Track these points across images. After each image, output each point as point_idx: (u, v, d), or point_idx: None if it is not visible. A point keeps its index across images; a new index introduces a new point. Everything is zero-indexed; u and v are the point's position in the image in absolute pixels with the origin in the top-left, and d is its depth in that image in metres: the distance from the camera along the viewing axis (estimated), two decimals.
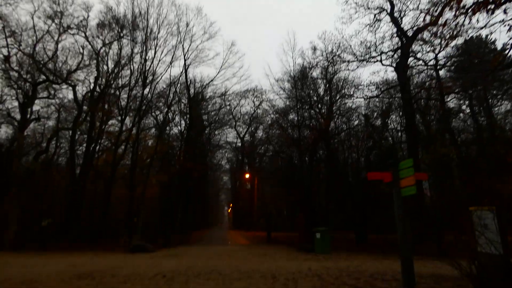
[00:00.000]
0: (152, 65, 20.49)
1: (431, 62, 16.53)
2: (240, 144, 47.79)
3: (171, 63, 21.25)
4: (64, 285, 6.14)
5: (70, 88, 20.20)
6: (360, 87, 18.14)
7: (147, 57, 20.47)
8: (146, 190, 28.30)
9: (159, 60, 20.97)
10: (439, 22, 7.67)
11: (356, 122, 21.15)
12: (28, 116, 18.58)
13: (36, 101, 19.50)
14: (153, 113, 24.47)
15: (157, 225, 18.28)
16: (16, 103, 19.16)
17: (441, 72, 18.23)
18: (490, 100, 20.10)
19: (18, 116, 18.94)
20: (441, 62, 16.69)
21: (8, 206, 15.26)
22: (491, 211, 4.43)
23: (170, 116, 25.09)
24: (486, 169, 13.82)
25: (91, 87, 20.57)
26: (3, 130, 20.98)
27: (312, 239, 13.15)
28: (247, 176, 39.27)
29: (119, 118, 19.86)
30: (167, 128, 26.83)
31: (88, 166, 19.27)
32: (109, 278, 6.92)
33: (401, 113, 20.53)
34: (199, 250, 13.24)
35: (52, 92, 20.13)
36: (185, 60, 23.05)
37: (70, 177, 20.18)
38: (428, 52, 15.96)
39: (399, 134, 22.28)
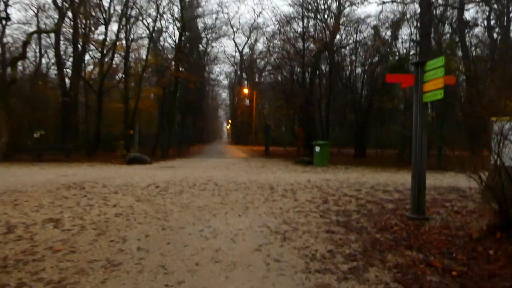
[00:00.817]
0: None
1: None
2: (239, 58, 45.31)
3: None
4: (49, 195, 5.77)
5: None
6: None
7: None
8: (140, 102, 27.55)
9: None
10: None
11: (364, 34, 19.14)
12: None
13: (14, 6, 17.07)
14: (144, 21, 22.02)
15: (155, 139, 17.96)
16: None
17: None
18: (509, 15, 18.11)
19: None
20: None
21: None
22: None
23: (162, 25, 22.67)
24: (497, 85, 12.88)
25: None
26: None
27: (311, 153, 12.95)
28: (245, 91, 38.05)
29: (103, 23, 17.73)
30: (161, 39, 24.60)
31: (77, 76, 17.99)
32: (100, 188, 6.60)
33: (413, 25, 18.61)
34: (196, 162, 13.12)
35: None
36: None
37: (60, 87, 19.11)
38: None
39: (409, 48, 20.57)
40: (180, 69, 19.46)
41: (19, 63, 18.64)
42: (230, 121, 64.78)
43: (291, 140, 31.21)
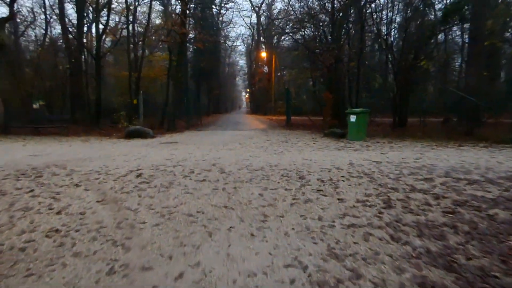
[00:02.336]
0: None
1: None
2: (255, 21, 41.91)
3: None
4: None
5: None
6: None
7: None
8: (150, 69, 25.59)
9: None
10: None
11: None
12: None
13: None
14: None
15: (165, 109, 16.09)
16: None
17: None
18: None
19: None
20: None
21: None
22: None
23: None
24: None
25: None
26: None
27: (341, 123, 10.70)
28: (263, 54, 35.12)
29: None
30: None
31: (80, 42, 16.04)
32: (62, 176, 4.77)
33: None
34: (205, 136, 11.18)
35: None
36: None
37: (67, 55, 17.35)
38: None
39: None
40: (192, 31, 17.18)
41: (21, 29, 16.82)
42: (248, 90, 62.22)
43: (315, 109, 28.61)
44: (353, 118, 9.78)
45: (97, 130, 14.02)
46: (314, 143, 9.08)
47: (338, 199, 3.77)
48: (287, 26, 18.29)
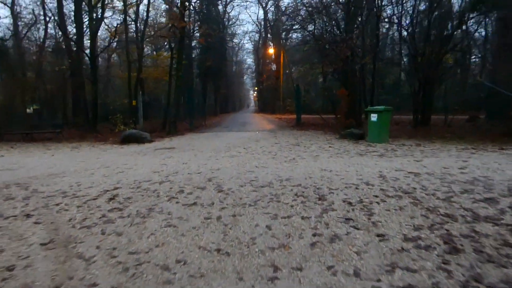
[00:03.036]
0: None
1: None
2: (262, 17, 40.80)
3: None
4: None
5: None
6: None
7: None
8: (154, 69, 24.69)
9: None
10: None
11: None
12: None
13: None
14: None
15: (167, 111, 15.13)
16: None
17: None
18: None
19: None
20: None
21: None
22: None
23: None
24: None
25: None
26: None
27: (357, 122, 9.54)
28: (271, 51, 33.98)
29: None
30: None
31: (80, 44, 15.19)
32: (17, 201, 3.79)
33: None
34: (207, 140, 10.13)
35: None
36: None
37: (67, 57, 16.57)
38: None
39: None
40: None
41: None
42: (256, 88, 61.20)
43: (326, 106, 27.34)
44: (374, 117, 8.60)
45: (94, 134, 13.16)
46: (330, 147, 7.94)
47: (378, 236, 2.67)
48: (297, 18, 17.09)
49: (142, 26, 16.18)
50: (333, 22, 12.45)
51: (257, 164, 5.53)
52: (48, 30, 21.69)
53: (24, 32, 23.34)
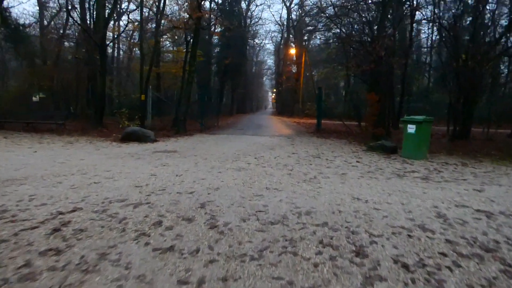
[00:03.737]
0: None
1: None
2: (285, 17, 39.63)
3: None
4: None
5: None
6: None
7: None
8: (171, 64, 23.95)
9: None
10: None
11: None
12: None
13: None
14: None
15: (178, 108, 14.15)
16: None
17: None
18: None
19: None
20: None
21: None
22: None
23: None
24: None
25: None
26: None
27: (386, 131, 8.16)
28: (292, 51, 32.73)
29: None
30: None
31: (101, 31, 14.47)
32: None
33: None
34: (216, 143, 8.99)
35: None
36: None
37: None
38: None
39: None
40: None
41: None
42: (274, 90, 60.02)
43: (347, 112, 25.78)
44: (411, 128, 7.24)
45: (99, 128, 12.34)
46: (358, 161, 6.65)
47: None
48: (323, 16, 15.78)
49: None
50: (364, 19, 11.06)
51: (269, 184, 4.34)
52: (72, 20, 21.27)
53: (48, 20, 23.20)
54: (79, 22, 14.40)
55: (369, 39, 10.15)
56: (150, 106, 12.76)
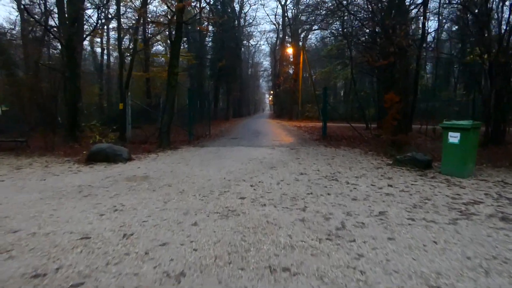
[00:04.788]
0: None
1: None
2: (280, 15, 38.13)
3: None
4: None
5: None
6: None
7: None
8: (154, 67, 22.19)
9: None
10: None
11: None
12: None
13: None
14: None
15: (163, 117, 12.37)
16: None
17: None
18: None
19: None
20: None
21: None
22: None
23: None
24: None
25: None
26: None
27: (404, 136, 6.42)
28: (289, 51, 31.16)
29: None
30: None
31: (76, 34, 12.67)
32: None
33: None
34: (202, 163, 7.13)
35: None
36: None
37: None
38: None
39: None
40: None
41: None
42: (272, 92, 58.47)
43: (350, 113, 24.10)
44: (455, 137, 5.53)
45: (70, 144, 10.58)
46: (390, 185, 4.93)
47: None
48: (323, 9, 14.14)
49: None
50: (380, 5, 9.27)
51: (273, 254, 2.58)
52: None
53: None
54: (36, 18, 12.61)
55: (384, 29, 8.43)
56: (130, 116, 11.01)
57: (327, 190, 4.66)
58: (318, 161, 7.15)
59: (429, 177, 5.63)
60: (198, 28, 13.53)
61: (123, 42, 23.89)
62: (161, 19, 10.94)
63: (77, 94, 10.86)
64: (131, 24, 13.47)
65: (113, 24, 16.60)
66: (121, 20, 11.65)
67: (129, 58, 18.37)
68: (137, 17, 12.13)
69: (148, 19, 10.98)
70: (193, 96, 11.90)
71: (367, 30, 9.85)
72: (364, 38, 10.37)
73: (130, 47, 27.22)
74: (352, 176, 5.64)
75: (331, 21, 20.78)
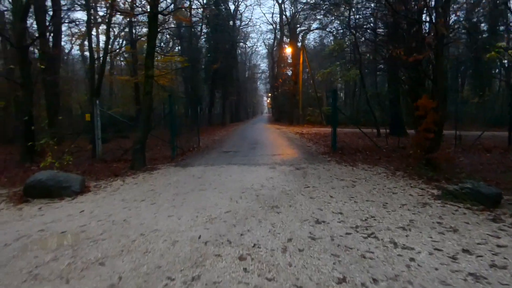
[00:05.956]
0: None
1: None
2: (278, 15, 36.47)
3: None
4: None
5: None
6: None
7: None
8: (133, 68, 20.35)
9: None
10: None
11: None
12: None
13: None
14: None
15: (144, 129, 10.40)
16: None
17: None
18: None
19: None
20: None
21: None
22: None
23: None
24: None
25: None
26: None
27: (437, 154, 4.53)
28: (288, 50, 29.35)
29: None
30: None
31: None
32: None
33: None
34: (173, 199, 5.09)
35: None
36: None
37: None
38: None
39: None
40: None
41: None
42: (269, 94, 56.71)
43: (355, 117, 22.21)
44: None
45: (27, 165, 8.69)
46: (466, 249, 3.03)
47: None
48: (327, 2, 12.32)
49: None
50: None
51: None
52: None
53: None
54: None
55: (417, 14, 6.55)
56: (99, 129, 9.09)
57: (367, 265, 2.75)
58: (336, 193, 5.23)
59: (509, 223, 3.73)
60: (179, 18, 11.55)
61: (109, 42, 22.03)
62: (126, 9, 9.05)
63: (29, 105, 8.90)
64: (104, 17, 11.58)
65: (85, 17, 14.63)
66: (91, 13, 9.75)
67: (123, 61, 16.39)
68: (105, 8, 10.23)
69: (117, 9, 9.07)
70: (174, 103, 9.97)
71: (380, 22, 8.01)
72: (380, 30, 8.52)
73: (116, 47, 25.28)
74: (395, 225, 3.72)
75: (334, 17, 18.96)
